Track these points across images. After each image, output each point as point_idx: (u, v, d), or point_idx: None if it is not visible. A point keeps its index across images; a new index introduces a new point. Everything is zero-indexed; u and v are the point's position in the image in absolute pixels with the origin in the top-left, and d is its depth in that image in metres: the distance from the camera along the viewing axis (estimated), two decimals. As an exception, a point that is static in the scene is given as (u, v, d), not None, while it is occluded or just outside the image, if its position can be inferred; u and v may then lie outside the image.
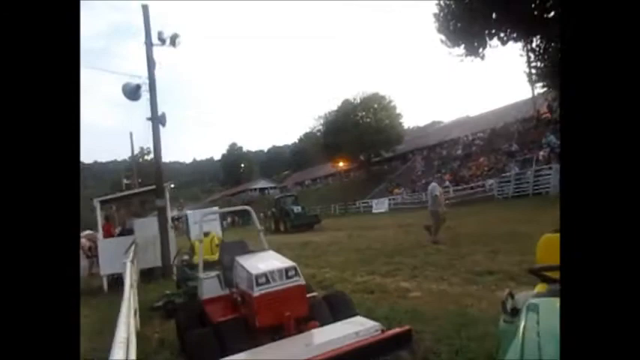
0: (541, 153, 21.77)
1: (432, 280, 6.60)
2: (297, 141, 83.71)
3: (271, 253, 4.88)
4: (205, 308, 5.07)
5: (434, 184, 11.63)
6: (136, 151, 39.06)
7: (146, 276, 11.02)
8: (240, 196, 65.52)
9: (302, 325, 4.13)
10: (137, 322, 6.00)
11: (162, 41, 11.84)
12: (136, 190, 14.23)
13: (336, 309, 4.60)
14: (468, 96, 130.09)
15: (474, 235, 10.46)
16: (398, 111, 43.75)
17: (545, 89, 23.21)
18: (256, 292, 4.02)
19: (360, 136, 41.38)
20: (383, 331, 3.78)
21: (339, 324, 4.09)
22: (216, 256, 8.23)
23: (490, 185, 22.29)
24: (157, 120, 11.48)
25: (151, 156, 53.20)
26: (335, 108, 45.90)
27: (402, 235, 13.51)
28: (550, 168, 19.18)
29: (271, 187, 69.47)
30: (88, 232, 15.11)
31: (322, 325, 4.15)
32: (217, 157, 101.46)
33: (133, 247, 10.45)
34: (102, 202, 11.62)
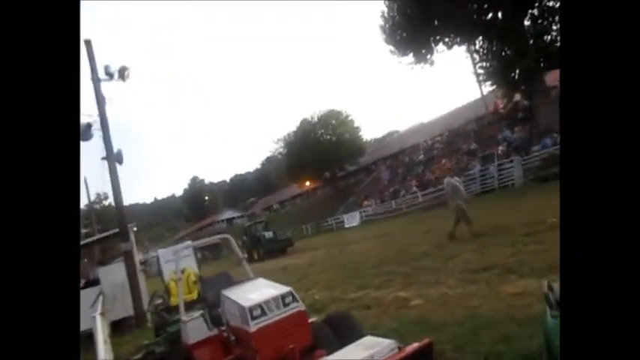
0: (500, 148, 22.44)
1: (428, 285, 6.32)
2: (259, 166, 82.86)
3: (262, 280, 4.42)
4: (194, 354, 4.52)
5: (447, 178, 10.81)
6: (92, 197, 37.01)
7: (118, 328, 10.08)
8: (208, 230, 63.52)
9: (307, 356, 3.70)
10: (116, 382, 5.31)
11: (110, 76, 11.23)
12: (98, 237, 13.23)
13: (340, 332, 4.19)
14: (421, 103, 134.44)
15: (457, 234, 10.34)
16: (356, 124, 44.38)
17: (493, 87, 24.10)
18: (253, 326, 3.56)
19: (322, 154, 41.52)
20: (400, 349, 3.41)
21: (349, 348, 3.68)
22: (195, 295, 7.62)
23: (456, 185, 22.63)
24: (113, 158, 10.75)
25: (109, 201, 50.99)
26: (294, 129, 45.90)
27: (382, 245, 13.25)
28: (511, 161, 19.74)
29: (238, 216, 67.93)
30: None
31: (329, 352, 3.73)
32: (179, 193, 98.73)
33: (100, 299, 9.56)
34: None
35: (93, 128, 10.88)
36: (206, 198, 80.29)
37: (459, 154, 27.46)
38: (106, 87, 11.19)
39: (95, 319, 5.32)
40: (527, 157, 19.15)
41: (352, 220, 31.27)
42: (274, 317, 3.63)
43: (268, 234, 25.63)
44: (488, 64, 23.11)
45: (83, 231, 32.76)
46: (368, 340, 3.83)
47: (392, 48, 24.76)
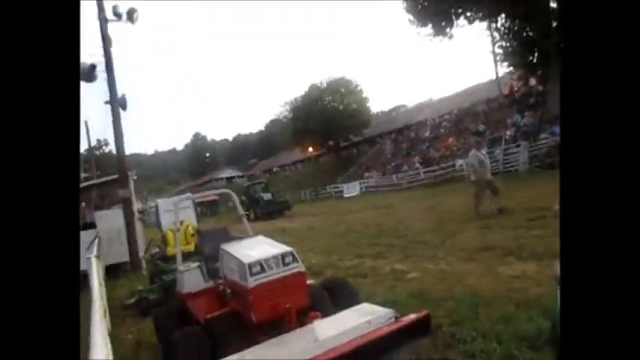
0: (508, 132, 22.11)
1: (426, 259, 6.29)
2: (263, 128, 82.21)
3: (261, 238, 4.35)
4: (188, 303, 4.51)
5: (473, 150, 10.14)
6: (93, 142, 36.78)
7: (113, 272, 10.18)
8: (207, 186, 63.77)
9: (303, 317, 3.67)
10: (108, 323, 5.34)
11: (118, 16, 10.80)
12: (97, 181, 13.19)
13: (337, 297, 4.16)
14: (433, 79, 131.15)
15: (459, 213, 10.29)
16: (364, 95, 43.63)
17: (510, 69, 23.49)
18: (251, 282, 3.50)
19: (328, 121, 41.02)
20: (397, 319, 3.37)
21: (346, 313, 3.65)
22: (192, 247, 7.60)
23: (460, 165, 22.44)
24: (116, 102, 10.52)
25: (109, 148, 50.83)
26: (302, 93, 45.16)
27: (382, 217, 13.24)
28: (518, 146, 19.47)
29: (238, 176, 68.02)
30: None
31: (325, 316, 3.70)
32: (180, 147, 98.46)
33: (96, 242, 9.59)
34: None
35: (97, 70, 10.59)
36: (207, 155, 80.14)
37: (466, 134, 27.11)
38: (113, 28, 10.82)
39: (90, 260, 5.29)
40: (534, 144, 18.88)
41: (352, 189, 31.27)
42: (273, 275, 3.57)
43: (267, 195, 25.67)
44: (507, 44, 22.41)
45: (82, 175, 32.83)
46: (365, 306, 3.80)
47: (411, 17, 23.91)
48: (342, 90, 42.98)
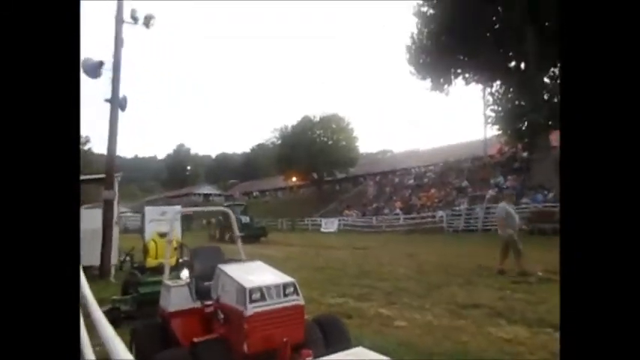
0: (490, 192, 22.70)
1: (412, 309, 6.22)
2: (248, 150, 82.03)
3: (261, 263, 4.23)
4: (171, 323, 4.29)
5: (502, 203, 9.68)
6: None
7: (79, 275, 9.68)
8: (182, 200, 62.52)
9: (294, 353, 3.52)
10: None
11: (135, 20, 10.85)
12: (82, 178, 12.69)
13: (329, 335, 4.03)
14: (422, 129, 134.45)
15: (440, 264, 10.32)
16: (354, 134, 44.42)
17: (499, 132, 24.43)
18: (249, 309, 3.37)
19: (315, 154, 41.39)
20: (395, 369, 3.28)
21: (341, 356, 3.52)
22: (173, 261, 7.33)
23: (440, 217, 22.80)
24: (117, 102, 10.36)
25: (88, 145, 49.53)
26: (294, 123, 45.68)
27: (361, 257, 13.16)
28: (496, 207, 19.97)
29: (216, 194, 67.10)
30: None
31: (316, 354, 3.57)
32: (161, 156, 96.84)
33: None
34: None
35: (103, 68, 10.48)
36: (188, 168, 79.07)
37: (448, 187, 27.70)
38: (127, 30, 10.82)
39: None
40: (515, 207, 19.38)
41: (330, 225, 31.14)
42: (273, 305, 3.46)
43: (245, 218, 25.26)
44: (499, 109, 23.41)
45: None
46: (360, 351, 3.67)
47: (412, 70, 24.87)
48: (334, 126, 43.71)
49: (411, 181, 33.35)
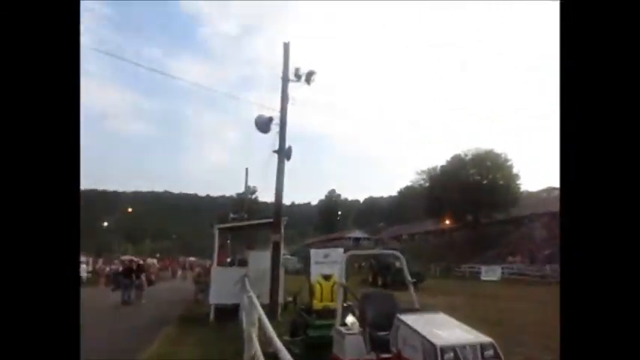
0: None
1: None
2: (396, 194, 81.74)
3: (445, 316, 3.77)
4: None
5: None
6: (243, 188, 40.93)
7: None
8: (334, 243, 65.00)
9: None
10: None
11: (298, 77, 11.96)
12: (254, 222, 14.22)
13: None
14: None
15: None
16: (514, 171, 40.26)
17: None
18: (441, 371, 2.92)
19: (470, 195, 38.60)
20: None
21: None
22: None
23: None
24: (283, 153, 11.36)
25: (256, 194, 56.07)
26: (443, 163, 43.99)
27: (540, 311, 11.19)
28: None
29: (365, 238, 67.88)
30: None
31: None
32: (314, 202, 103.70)
33: (246, 280, 10.06)
34: (220, 230, 11.61)
35: (272, 123, 11.71)
36: (339, 213, 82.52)
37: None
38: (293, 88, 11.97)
39: (252, 297, 5.34)
40: None
41: (491, 273, 28.08)
42: (469, 368, 2.94)
43: (399, 263, 24.58)
44: None
45: (232, 216, 36.41)
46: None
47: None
48: (489, 163, 40.46)
49: (593, 223, 28.17)
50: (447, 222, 44.88)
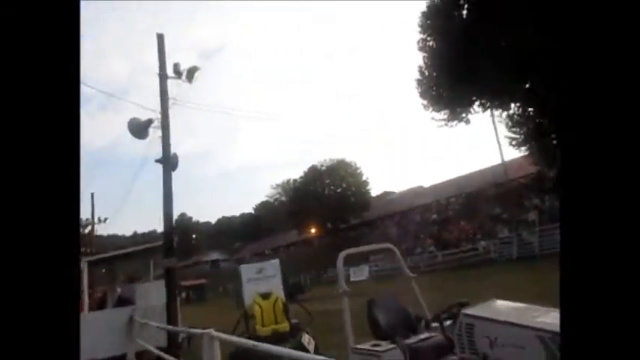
0: (531, 215, 21.87)
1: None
2: (251, 210, 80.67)
3: (507, 302, 3.22)
4: None
5: None
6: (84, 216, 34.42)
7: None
8: (191, 269, 60.39)
9: None
10: None
11: (179, 74, 10.32)
12: (138, 248, 11.58)
13: None
14: (422, 166, 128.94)
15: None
16: (364, 178, 44.01)
17: (526, 153, 23.97)
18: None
19: (327, 203, 40.55)
20: None
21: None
22: (287, 326, 6.17)
23: (484, 248, 21.67)
24: (169, 162, 9.53)
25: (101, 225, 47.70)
26: (301, 174, 45.34)
27: (428, 300, 11.84)
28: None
29: (224, 260, 65.07)
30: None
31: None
32: (160, 228, 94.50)
33: (135, 323, 7.93)
34: (89, 264, 9.00)
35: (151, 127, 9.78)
36: (193, 236, 77.28)
37: (479, 217, 26.78)
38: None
39: (213, 340, 3.89)
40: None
41: (360, 273, 29.66)
42: None
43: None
44: (521, 130, 23.11)
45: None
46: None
47: (425, 102, 24.80)
48: (342, 172, 43.29)
49: (435, 216, 32.43)
50: (309, 232, 46.22)
